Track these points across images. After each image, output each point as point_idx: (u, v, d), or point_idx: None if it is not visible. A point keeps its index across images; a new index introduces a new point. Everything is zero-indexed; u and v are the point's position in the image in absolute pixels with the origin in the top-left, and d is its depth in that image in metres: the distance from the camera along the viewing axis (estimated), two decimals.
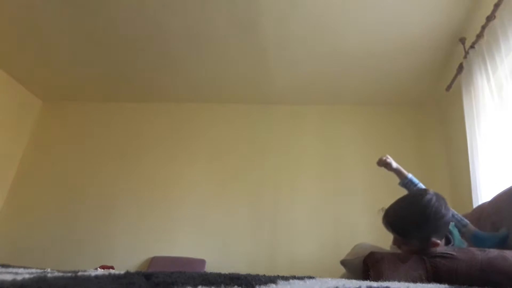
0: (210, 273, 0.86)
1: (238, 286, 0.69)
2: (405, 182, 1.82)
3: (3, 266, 1.33)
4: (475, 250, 1.14)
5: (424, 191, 1.44)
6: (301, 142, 3.91)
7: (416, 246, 1.31)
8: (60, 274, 0.77)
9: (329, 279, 0.90)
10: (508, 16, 2.17)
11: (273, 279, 0.82)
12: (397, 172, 1.89)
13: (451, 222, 1.46)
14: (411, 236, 1.33)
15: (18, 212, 3.83)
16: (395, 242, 1.41)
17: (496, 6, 2.26)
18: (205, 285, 0.67)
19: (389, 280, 1.04)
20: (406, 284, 0.88)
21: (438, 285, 0.91)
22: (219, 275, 0.83)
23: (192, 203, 3.71)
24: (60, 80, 4.00)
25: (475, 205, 2.41)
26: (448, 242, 1.45)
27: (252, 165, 3.84)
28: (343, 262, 1.74)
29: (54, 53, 3.54)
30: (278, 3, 2.78)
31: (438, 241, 1.29)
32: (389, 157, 1.86)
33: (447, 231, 1.42)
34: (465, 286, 0.90)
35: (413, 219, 1.33)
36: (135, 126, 4.18)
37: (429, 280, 1.10)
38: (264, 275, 0.95)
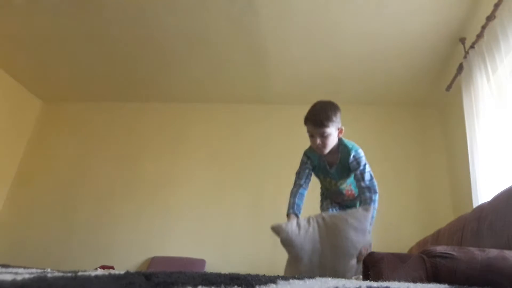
0: (210, 273, 0.86)
1: (238, 286, 0.69)
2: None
3: (3, 266, 1.34)
4: (475, 250, 1.14)
5: None
6: (301, 142, 3.90)
7: (331, 132, 1.71)
8: (60, 274, 0.77)
9: (329, 279, 0.90)
10: (508, 16, 2.17)
11: (273, 279, 0.82)
12: (299, 208, 1.91)
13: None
14: (330, 121, 1.70)
15: (18, 212, 3.83)
16: (314, 141, 1.74)
17: (496, 6, 2.26)
18: (205, 285, 0.67)
19: (389, 280, 1.04)
20: (406, 284, 0.88)
21: (438, 285, 0.91)
22: (219, 275, 0.83)
23: (192, 203, 3.71)
24: (60, 80, 4.00)
25: (475, 205, 2.41)
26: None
27: (252, 165, 3.84)
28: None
29: (54, 53, 3.54)
30: (278, 3, 2.78)
31: (343, 129, 1.78)
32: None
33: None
34: (465, 286, 0.90)
35: (329, 107, 1.75)
36: (135, 126, 4.18)
37: (429, 280, 1.10)
38: (264, 275, 0.95)
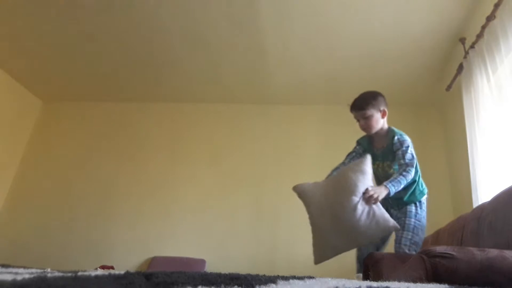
0: (210, 273, 0.86)
1: (238, 286, 0.69)
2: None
3: (3, 266, 1.34)
4: (475, 250, 1.14)
5: None
6: (301, 142, 3.91)
7: (372, 113, 1.87)
8: (60, 274, 0.77)
9: (329, 279, 0.90)
10: (508, 16, 2.17)
11: (273, 279, 0.82)
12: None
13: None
14: (369, 104, 1.88)
15: (18, 212, 3.83)
16: (360, 124, 1.93)
17: (496, 6, 2.26)
18: (205, 285, 0.67)
19: (389, 280, 1.04)
20: (406, 284, 0.88)
21: (438, 285, 0.91)
22: (219, 275, 0.83)
23: (192, 203, 3.71)
24: (60, 80, 4.00)
25: (475, 205, 2.41)
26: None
27: (252, 164, 3.84)
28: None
29: (54, 53, 3.54)
30: (278, 3, 2.78)
31: (386, 111, 1.92)
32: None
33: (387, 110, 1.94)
34: (465, 286, 0.90)
35: (367, 93, 1.94)
36: (135, 126, 4.18)
37: (429, 280, 1.10)
38: (264, 275, 0.95)
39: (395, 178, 1.74)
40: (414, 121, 3.86)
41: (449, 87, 3.19)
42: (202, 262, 3.38)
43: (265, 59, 3.42)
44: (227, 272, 0.92)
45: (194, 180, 3.82)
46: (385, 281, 1.01)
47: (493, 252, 1.11)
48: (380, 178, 1.97)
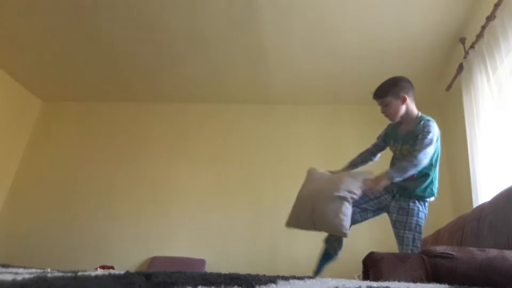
0: (210, 273, 0.86)
1: (238, 286, 0.69)
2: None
3: (3, 266, 1.34)
4: (475, 250, 1.14)
5: None
6: (301, 142, 3.91)
7: (391, 102, 1.87)
8: (60, 274, 0.77)
9: (329, 279, 0.90)
10: (508, 16, 2.17)
11: (273, 279, 0.82)
12: (353, 167, 2.10)
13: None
14: (388, 91, 1.88)
15: (18, 212, 3.83)
16: (381, 110, 1.93)
17: (496, 6, 2.26)
18: (205, 285, 0.67)
19: (389, 280, 1.04)
20: (406, 284, 0.88)
21: (438, 285, 0.91)
22: (219, 275, 0.83)
23: (192, 203, 3.71)
24: (60, 80, 4.00)
25: (475, 205, 2.41)
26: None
27: (252, 165, 3.84)
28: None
29: (54, 53, 3.54)
30: (278, 3, 2.78)
31: (407, 97, 1.88)
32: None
33: (413, 94, 1.94)
34: (465, 286, 0.91)
35: (388, 80, 1.94)
36: (135, 126, 4.18)
37: (429, 280, 1.10)
38: (264, 275, 0.95)
39: (400, 164, 1.75)
40: None
41: (449, 87, 3.19)
42: (202, 262, 3.38)
43: (265, 59, 3.42)
44: (227, 272, 0.92)
45: (194, 180, 3.82)
46: (385, 281, 1.01)
47: (493, 252, 1.11)
48: (396, 160, 1.94)
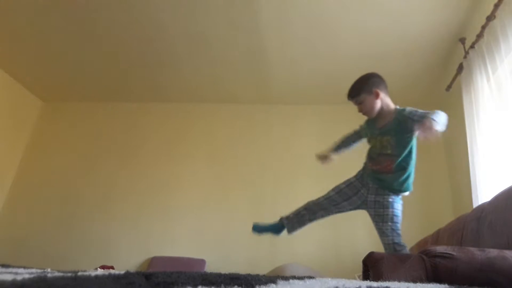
0: (210, 273, 0.86)
1: (238, 286, 0.69)
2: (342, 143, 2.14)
3: (3, 266, 1.34)
4: (475, 250, 1.14)
5: None
6: (301, 142, 3.91)
7: (365, 99, 1.90)
8: (60, 274, 0.77)
9: (329, 279, 0.90)
10: (508, 16, 2.17)
11: (273, 279, 0.82)
12: (338, 150, 2.20)
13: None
14: (360, 90, 1.92)
15: (18, 212, 3.83)
16: (358, 109, 1.97)
17: (496, 6, 2.26)
18: (205, 285, 0.67)
19: (389, 280, 1.04)
20: (406, 284, 0.88)
21: (438, 285, 0.91)
22: (219, 275, 0.83)
23: (192, 203, 3.71)
24: (60, 80, 4.00)
25: (475, 205, 2.41)
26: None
27: (252, 165, 3.84)
28: None
29: (54, 53, 3.54)
30: (278, 3, 2.78)
31: (379, 91, 1.89)
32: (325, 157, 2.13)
33: (385, 88, 1.95)
34: (465, 286, 0.90)
35: (359, 79, 1.99)
36: (135, 126, 4.18)
37: (429, 280, 1.10)
38: (264, 275, 0.95)
39: (433, 114, 1.70)
40: None
41: (449, 87, 3.19)
42: (202, 262, 3.38)
43: (265, 59, 3.42)
44: (227, 272, 0.91)
45: (194, 180, 3.82)
46: (385, 281, 1.01)
47: (493, 252, 1.11)
48: (374, 151, 1.94)
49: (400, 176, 1.84)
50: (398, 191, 1.87)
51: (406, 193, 1.89)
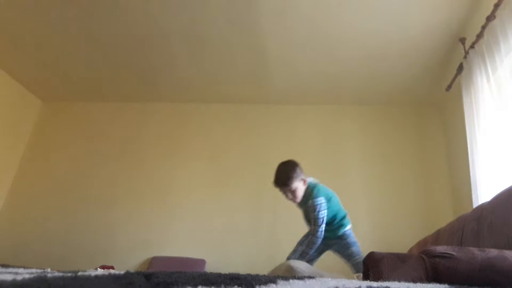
0: (210, 273, 0.86)
1: (238, 286, 0.69)
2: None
3: (3, 266, 1.34)
4: (475, 250, 1.14)
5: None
6: (301, 142, 3.91)
7: (297, 186, 2.12)
8: (60, 274, 0.77)
9: (329, 279, 0.90)
10: (508, 16, 2.17)
11: (273, 279, 0.82)
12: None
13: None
14: (292, 179, 2.10)
15: (18, 212, 3.83)
16: (287, 196, 2.18)
17: (496, 6, 2.26)
18: (205, 285, 0.67)
19: (389, 280, 1.04)
20: (406, 284, 0.88)
21: (438, 285, 0.91)
22: (219, 275, 0.83)
23: (192, 203, 3.71)
24: (60, 80, 4.00)
25: (475, 205, 2.41)
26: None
27: (252, 165, 3.84)
28: None
29: (54, 53, 3.54)
30: (278, 3, 2.78)
31: (305, 178, 2.18)
32: None
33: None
34: (465, 286, 0.90)
35: (284, 168, 2.18)
36: (135, 126, 4.18)
37: (429, 280, 1.10)
38: (264, 275, 0.95)
39: (303, 251, 2.12)
40: (414, 121, 3.86)
41: (449, 87, 3.19)
42: (202, 262, 3.38)
43: (265, 59, 3.42)
44: (227, 272, 0.91)
45: (194, 180, 3.82)
46: (385, 281, 1.01)
47: (493, 252, 1.11)
48: (306, 218, 2.30)
49: (338, 227, 2.23)
50: (343, 232, 2.23)
51: (347, 228, 2.24)
